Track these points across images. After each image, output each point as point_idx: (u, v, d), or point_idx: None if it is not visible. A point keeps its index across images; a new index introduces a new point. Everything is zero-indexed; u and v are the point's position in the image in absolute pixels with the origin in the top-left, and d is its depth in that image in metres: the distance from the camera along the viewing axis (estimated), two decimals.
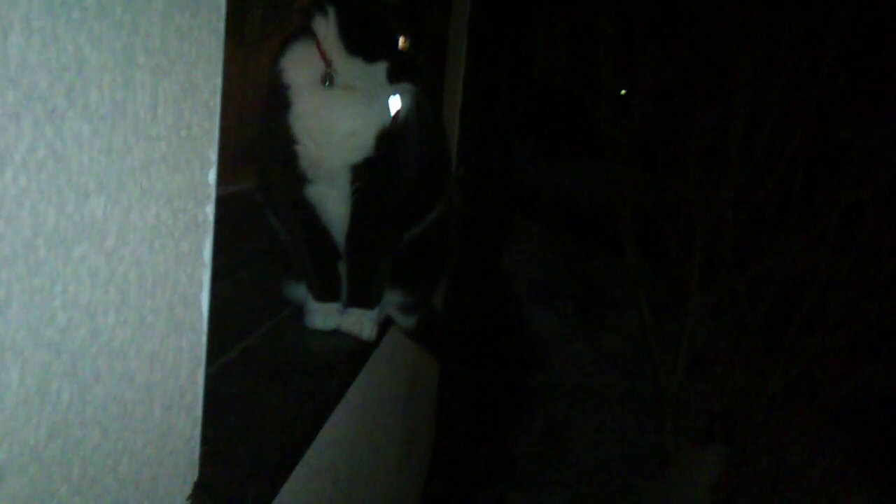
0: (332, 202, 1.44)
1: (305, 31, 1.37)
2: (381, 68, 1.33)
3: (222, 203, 0.86)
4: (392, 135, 1.39)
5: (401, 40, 1.32)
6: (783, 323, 3.25)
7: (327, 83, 1.34)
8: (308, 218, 1.46)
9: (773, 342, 3.26)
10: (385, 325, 1.65)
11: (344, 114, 1.36)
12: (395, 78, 1.34)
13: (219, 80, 0.79)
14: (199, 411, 0.86)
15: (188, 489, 0.85)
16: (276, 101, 1.37)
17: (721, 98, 3.26)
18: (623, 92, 3.83)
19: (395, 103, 1.38)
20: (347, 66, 1.33)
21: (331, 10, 1.33)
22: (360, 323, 1.50)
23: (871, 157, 3.05)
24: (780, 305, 3.24)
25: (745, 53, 3.11)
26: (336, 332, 1.51)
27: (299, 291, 1.55)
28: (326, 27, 1.34)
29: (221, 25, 0.77)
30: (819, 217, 3.14)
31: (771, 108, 3.14)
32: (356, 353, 1.50)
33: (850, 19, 2.99)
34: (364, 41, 1.32)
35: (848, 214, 3.10)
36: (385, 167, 1.41)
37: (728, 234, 3.24)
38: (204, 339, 0.84)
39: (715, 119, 3.32)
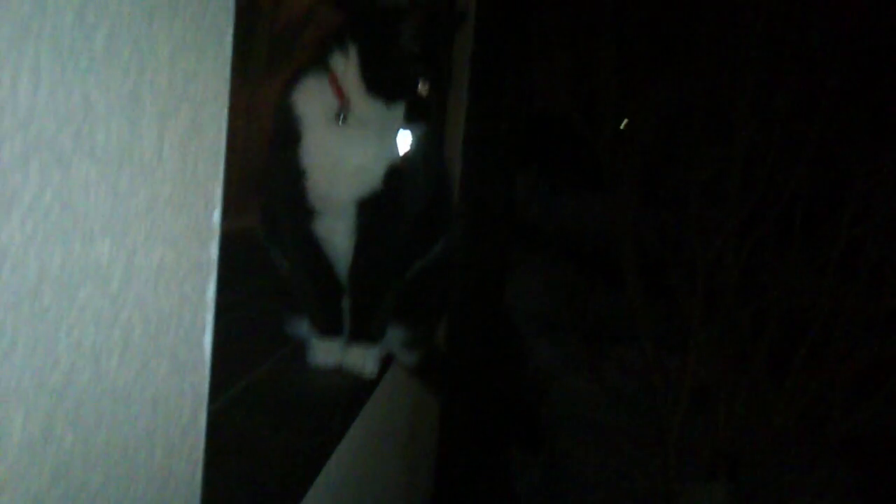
0: (339, 236, 1.45)
1: (319, 65, 1.38)
2: (398, 108, 1.34)
3: (223, 238, 0.85)
4: (400, 170, 1.40)
5: (420, 83, 1.34)
6: (786, 357, 3.23)
7: (341, 119, 1.35)
8: (313, 252, 1.46)
9: (777, 376, 3.25)
10: (386, 361, 1.64)
11: (355, 148, 1.37)
12: (412, 119, 1.36)
13: (224, 121, 0.80)
14: (200, 454, 0.85)
15: None
16: (287, 133, 1.37)
17: (721, 131, 3.28)
18: (623, 124, 3.84)
19: (404, 140, 1.39)
20: (365, 105, 1.34)
21: (352, 49, 1.34)
22: (363, 359, 1.50)
23: (871, 190, 3.05)
24: (783, 340, 3.23)
25: (745, 86, 3.13)
26: (338, 369, 1.50)
27: (301, 327, 1.55)
28: (346, 64, 1.35)
29: (228, 67, 0.77)
30: (821, 250, 3.14)
31: (771, 141, 3.16)
32: (358, 389, 1.49)
33: (850, 53, 3.01)
34: (387, 83, 1.34)
35: (850, 247, 3.10)
36: (391, 202, 1.42)
37: (730, 268, 3.23)
38: (206, 381, 0.84)
39: (716, 152, 3.33)
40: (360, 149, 1.37)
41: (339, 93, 1.35)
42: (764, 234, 3.21)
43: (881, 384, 3.12)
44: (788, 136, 3.14)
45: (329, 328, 1.50)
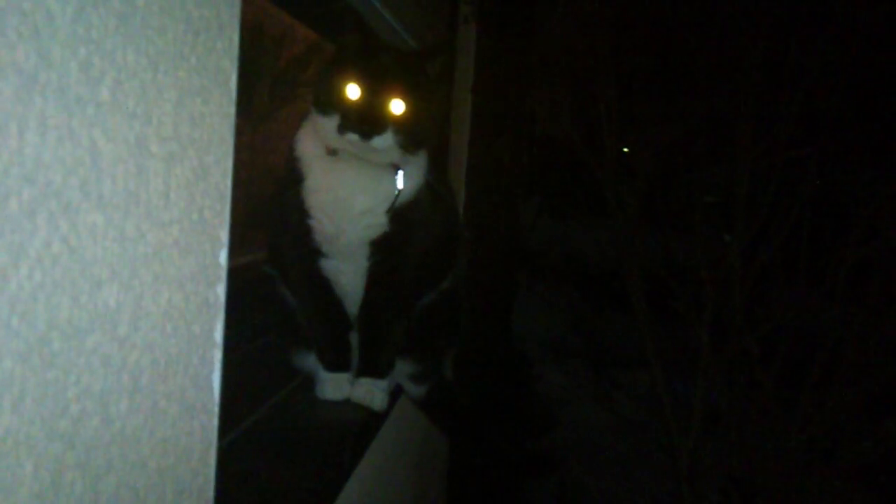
0: (347, 276, 1.45)
1: None
2: (384, 140, 1.31)
3: (230, 275, 0.86)
4: (406, 209, 1.40)
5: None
6: (797, 381, 3.21)
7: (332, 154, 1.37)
8: (322, 290, 1.46)
9: (788, 400, 3.22)
10: (395, 393, 1.63)
11: (356, 191, 1.37)
12: (406, 149, 1.34)
13: (230, 162, 0.80)
14: (210, 493, 0.85)
15: None
16: (291, 173, 1.39)
17: (724, 154, 3.28)
18: (626, 150, 3.84)
19: (401, 179, 1.39)
20: (344, 144, 1.34)
21: None
22: (372, 393, 1.49)
23: (875, 213, 3.04)
24: (793, 363, 3.21)
25: (747, 109, 3.14)
26: (346, 403, 1.50)
27: (309, 361, 1.54)
28: None
29: (232, 110, 0.78)
30: (828, 273, 3.12)
31: (775, 164, 3.16)
32: (367, 423, 1.48)
33: (853, 76, 3.02)
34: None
35: (857, 269, 3.08)
36: (402, 241, 1.42)
37: (737, 292, 3.22)
38: (215, 420, 0.83)
39: (719, 176, 3.33)
40: (360, 191, 1.37)
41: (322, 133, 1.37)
42: (770, 258, 3.20)
43: (894, 406, 3.09)
44: (792, 157, 3.13)
45: (337, 363, 1.50)
